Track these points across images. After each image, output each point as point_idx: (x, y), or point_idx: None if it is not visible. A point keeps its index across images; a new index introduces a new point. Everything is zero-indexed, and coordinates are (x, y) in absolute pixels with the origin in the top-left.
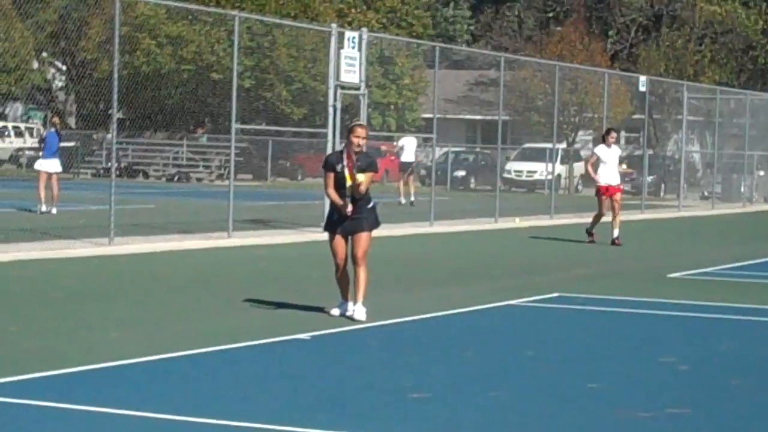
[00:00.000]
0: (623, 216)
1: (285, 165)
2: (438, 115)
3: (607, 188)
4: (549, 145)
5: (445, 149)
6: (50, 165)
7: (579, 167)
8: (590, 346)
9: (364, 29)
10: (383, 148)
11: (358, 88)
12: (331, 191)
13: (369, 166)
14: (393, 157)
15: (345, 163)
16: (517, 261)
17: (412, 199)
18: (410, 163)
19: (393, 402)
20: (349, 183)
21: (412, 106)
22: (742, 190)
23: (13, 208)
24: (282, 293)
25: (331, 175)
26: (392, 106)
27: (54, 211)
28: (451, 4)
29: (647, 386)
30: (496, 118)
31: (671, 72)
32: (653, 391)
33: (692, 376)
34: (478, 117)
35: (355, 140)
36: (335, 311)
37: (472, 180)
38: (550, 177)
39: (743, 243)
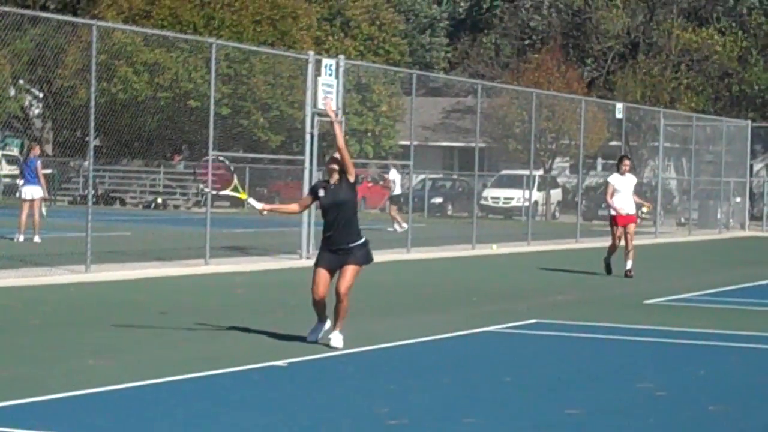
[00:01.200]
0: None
1: (262, 192)
2: (415, 142)
3: (621, 217)
4: (526, 172)
5: (422, 176)
6: (28, 191)
7: (556, 194)
8: (567, 372)
9: (341, 56)
10: (361, 175)
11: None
12: (294, 205)
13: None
14: (370, 185)
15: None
16: (495, 287)
17: (404, 227)
18: (398, 196)
19: (370, 429)
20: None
21: (389, 133)
22: (719, 216)
23: None
24: (259, 320)
25: (310, 198)
26: (369, 133)
27: (36, 239)
28: (428, 32)
29: (624, 412)
30: (473, 145)
31: (648, 99)
32: (631, 418)
33: (669, 402)
34: (455, 144)
35: (327, 167)
36: (312, 337)
37: (449, 207)
38: (527, 204)
39: (720, 269)
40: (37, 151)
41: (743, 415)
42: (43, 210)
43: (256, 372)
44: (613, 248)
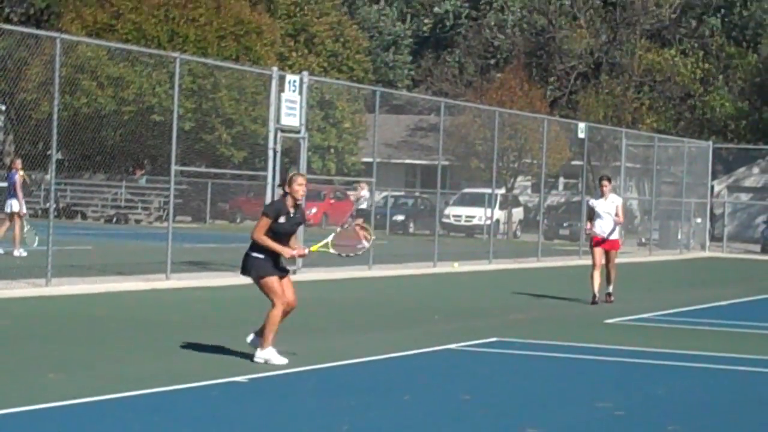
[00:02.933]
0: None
1: (224, 207)
2: (378, 159)
3: (600, 240)
4: (488, 191)
5: (384, 193)
6: (8, 205)
7: (518, 213)
8: (527, 390)
9: (305, 73)
10: (323, 192)
11: (299, 132)
12: (266, 238)
13: (304, 219)
14: (332, 201)
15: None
16: (456, 305)
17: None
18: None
19: None
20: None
21: (352, 149)
22: (679, 237)
23: None
24: (219, 336)
25: (269, 223)
26: (332, 150)
27: (16, 253)
28: (392, 49)
29: (584, 431)
30: (436, 162)
31: (610, 119)
32: None
33: (628, 421)
34: (418, 161)
35: (299, 189)
36: (281, 359)
37: (411, 224)
38: (488, 222)
39: (680, 290)
40: (18, 165)
41: None
42: (25, 228)
43: (217, 388)
44: (593, 273)
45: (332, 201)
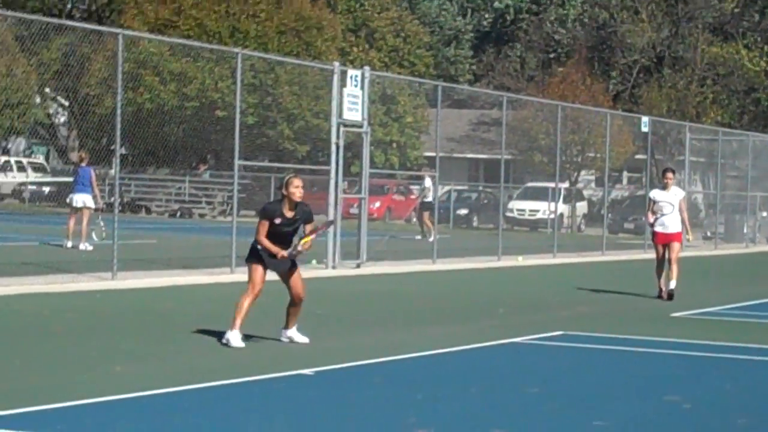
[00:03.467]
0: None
1: None
2: (441, 154)
3: (661, 235)
4: (551, 185)
5: (447, 187)
6: (78, 199)
7: (581, 207)
8: (594, 384)
9: (367, 68)
10: (387, 186)
11: (361, 126)
12: (266, 241)
13: (310, 216)
14: (395, 196)
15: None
16: (521, 299)
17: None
18: (432, 203)
19: None
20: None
21: (414, 144)
22: (745, 230)
23: (28, 242)
24: None
25: (267, 225)
26: (395, 144)
27: (82, 247)
28: (453, 44)
29: (652, 425)
30: (499, 156)
31: (673, 113)
32: (658, 430)
33: (696, 415)
34: (481, 156)
35: (295, 191)
36: (240, 343)
37: (475, 218)
38: (552, 216)
39: (746, 283)
40: (87, 159)
41: None
42: (101, 223)
43: (283, 380)
44: (657, 268)
45: (395, 195)
